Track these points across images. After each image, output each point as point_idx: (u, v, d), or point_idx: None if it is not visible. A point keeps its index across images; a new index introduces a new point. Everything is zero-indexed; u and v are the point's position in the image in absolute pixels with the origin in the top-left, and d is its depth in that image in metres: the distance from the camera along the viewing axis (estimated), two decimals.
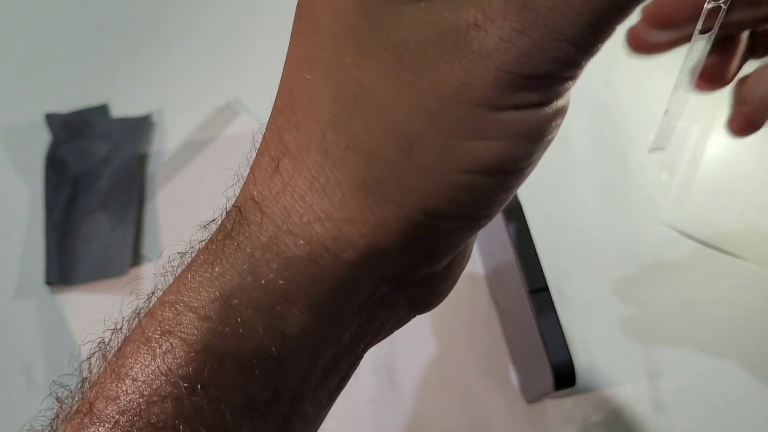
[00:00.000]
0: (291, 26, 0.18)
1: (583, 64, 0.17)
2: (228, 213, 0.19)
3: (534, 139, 0.17)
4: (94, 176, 0.43)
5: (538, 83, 0.16)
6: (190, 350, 0.17)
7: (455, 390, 0.37)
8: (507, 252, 0.31)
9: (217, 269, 0.18)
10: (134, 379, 0.17)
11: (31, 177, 0.44)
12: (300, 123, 0.17)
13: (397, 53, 0.16)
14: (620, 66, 0.46)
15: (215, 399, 0.17)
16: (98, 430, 0.17)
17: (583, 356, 0.37)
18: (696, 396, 0.36)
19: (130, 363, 0.17)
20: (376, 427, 0.36)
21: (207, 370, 0.17)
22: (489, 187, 0.17)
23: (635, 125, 0.44)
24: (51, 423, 0.19)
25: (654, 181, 0.43)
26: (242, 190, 0.19)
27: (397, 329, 0.22)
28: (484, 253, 0.39)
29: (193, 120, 0.46)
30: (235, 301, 0.17)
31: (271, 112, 0.18)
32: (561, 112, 0.18)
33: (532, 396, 0.35)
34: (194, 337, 0.17)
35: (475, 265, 0.40)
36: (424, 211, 0.17)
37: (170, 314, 0.18)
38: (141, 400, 0.17)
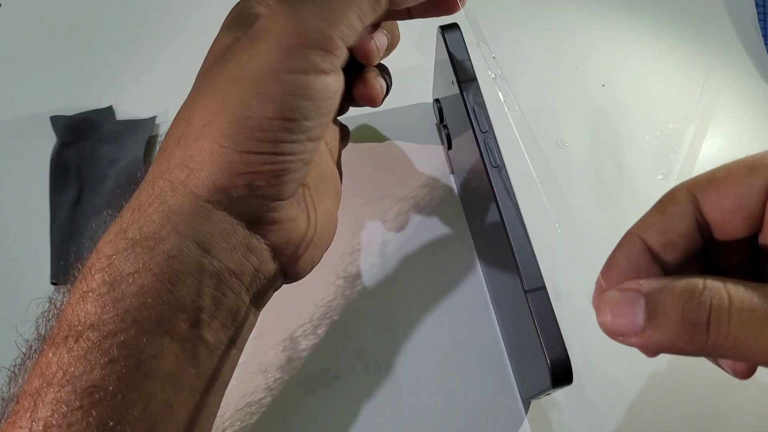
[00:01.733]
0: None
1: (334, 37, 0.26)
2: None
3: (303, 98, 0.25)
4: (99, 177, 0.43)
5: (304, 52, 0.25)
6: (100, 279, 0.24)
7: (454, 388, 0.37)
8: (504, 251, 0.32)
9: (120, 213, 0.26)
10: (64, 315, 0.24)
11: (36, 179, 0.44)
12: (186, 117, 0.27)
13: (234, 63, 0.26)
14: (618, 69, 0.46)
15: (125, 313, 0.23)
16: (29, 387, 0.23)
17: (580, 354, 0.37)
18: (695, 395, 0.37)
19: (68, 310, 0.24)
20: (375, 427, 0.36)
21: (114, 293, 0.23)
22: (277, 129, 0.25)
23: (632, 127, 0.45)
24: None
25: (650, 182, 0.43)
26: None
27: (274, 283, 0.29)
28: (481, 253, 0.40)
29: None
30: (127, 230, 0.25)
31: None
32: (327, 86, 0.26)
33: (529, 394, 0.35)
34: (99, 276, 0.24)
35: (473, 265, 0.40)
36: (236, 149, 0.25)
37: (92, 257, 0.25)
38: (74, 322, 0.23)
